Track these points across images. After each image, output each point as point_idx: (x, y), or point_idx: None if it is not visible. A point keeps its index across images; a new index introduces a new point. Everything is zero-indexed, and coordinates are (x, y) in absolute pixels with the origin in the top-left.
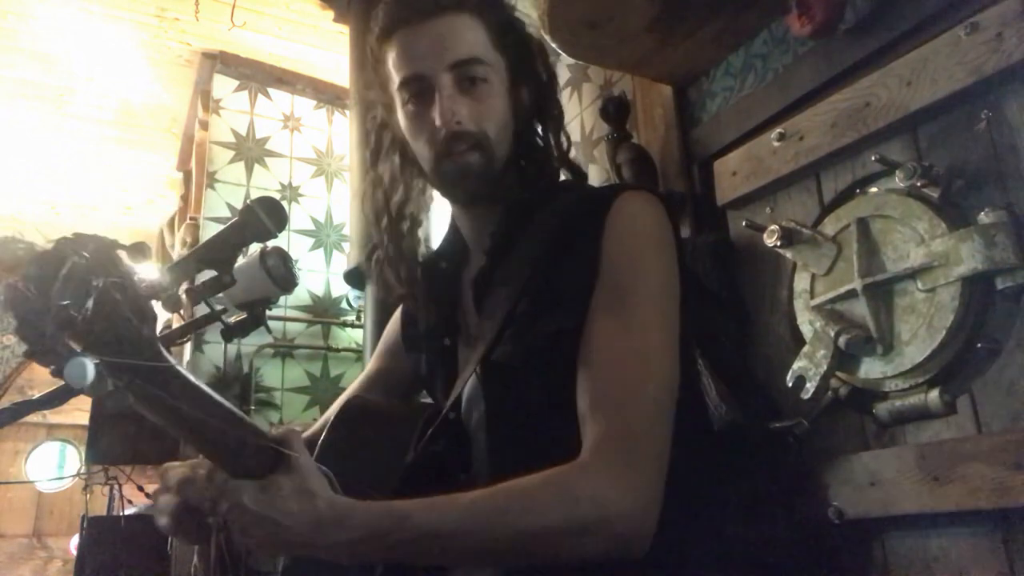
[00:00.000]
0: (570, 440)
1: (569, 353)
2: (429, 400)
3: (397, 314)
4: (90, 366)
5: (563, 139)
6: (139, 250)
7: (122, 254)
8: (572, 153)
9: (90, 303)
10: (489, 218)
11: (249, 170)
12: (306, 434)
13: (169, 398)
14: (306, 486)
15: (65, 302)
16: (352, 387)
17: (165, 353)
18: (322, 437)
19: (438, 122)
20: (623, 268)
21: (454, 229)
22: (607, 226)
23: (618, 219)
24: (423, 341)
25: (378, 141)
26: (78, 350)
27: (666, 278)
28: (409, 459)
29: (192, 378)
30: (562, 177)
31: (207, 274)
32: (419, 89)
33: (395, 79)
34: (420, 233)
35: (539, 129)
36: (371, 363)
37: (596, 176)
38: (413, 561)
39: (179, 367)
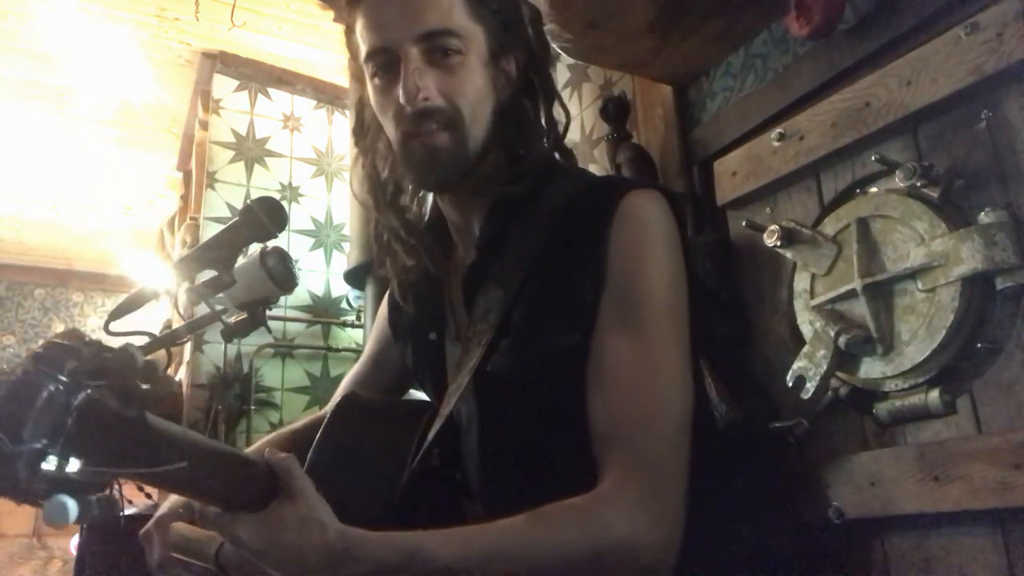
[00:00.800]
0: (564, 454)
1: (570, 369)
2: (425, 397)
3: (387, 296)
4: (70, 504)
5: (557, 116)
6: (125, 355)
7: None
8: (565, 133)
9: (70, 425)
10: (475, 207)
11: (249, 170)
12: (294, 426)
13: (160, 468)
14: (312, 515)
15: (40, 444)
16: (351, 372)
17: (154, 421)
18: (317, 436)
19: (402, 99)
20: (634, 280)
21: (435, 215)
22: (614, 231)
23: (627, 224)
24: (407, 332)
25: (359, 118)
26: (54, 478)
27: (676, 286)
28: (407, 474)
29: (176, 429)
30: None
31: (207, 274)
32: (385, 62)
33: (362, 50)
34: (424, 207)
35: (529, 106)
36: (368, 345)
37: None
38: None
39: (164, 427)
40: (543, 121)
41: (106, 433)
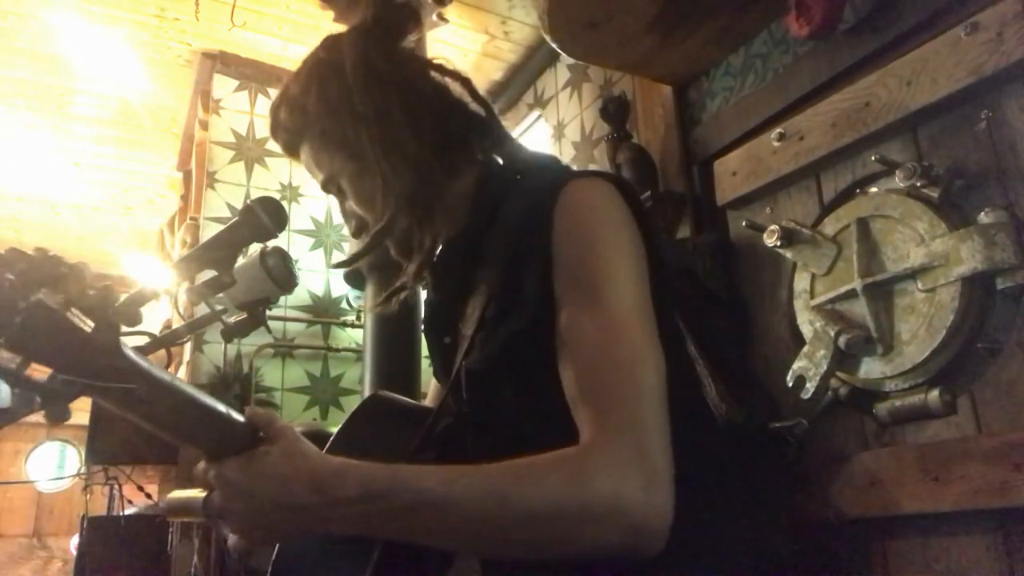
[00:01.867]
0: (546, 441)
1: (531, 354)
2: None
3: None
4: (3, 387)
5: (457, 114)
6: (78, 269)
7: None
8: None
9: (17, 320)
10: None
11: (249, 170)
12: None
13: (135, 401)
14: (296, 447)
15: None
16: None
17: (131, 357)
18: (335, 432)
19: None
20: (580, 257)
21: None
22: (555, 220)
23: (565, 211)
24: (426, 337)
25: None
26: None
27: (625, 258)
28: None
29: (161, 373)
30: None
31: (207, 274)
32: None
33: None
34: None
35: (439, 130)
36: None
37: None
38: (410, 535)
39: (144, 365)
40: (461, 135)
41: (57, 339)
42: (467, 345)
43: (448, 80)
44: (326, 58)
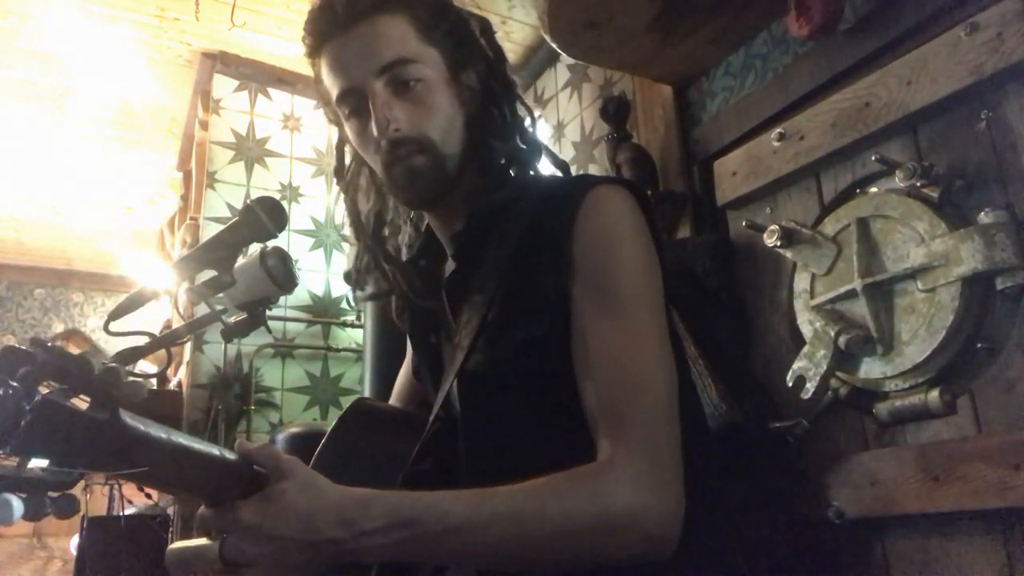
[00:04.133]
0: (546, 448)
1: (543, 360)
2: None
3: None
4: (15, 502)
5: (520, 114)
6: (82, 362)
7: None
8: (533, 127)
9: (23, 423)
10: (455, 219)
11: (249, 170)
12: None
13: (135, 467)
14: (313, 481)
15: None
16: (396, 383)
17: (131, 424)
18: (321, 443)
19: (375, 133)
20: (605, 266)
21: (428, 231)
22: (578, 226)
23: (589, 218)
24: (411, 339)
25: (339, 158)
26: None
27: (646, 269)
28: (400, 479)
29: (158, 431)
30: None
31: (207, 274)
32: (355, 102)
33: (332, 94)
34: (400, 238)
35: (495, 112)
36: (407, 356)
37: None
38: (437, 559)
39: (142, 429)
40: (510, 122)
41: (66, 433)
42: (466, 349)
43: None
44: None
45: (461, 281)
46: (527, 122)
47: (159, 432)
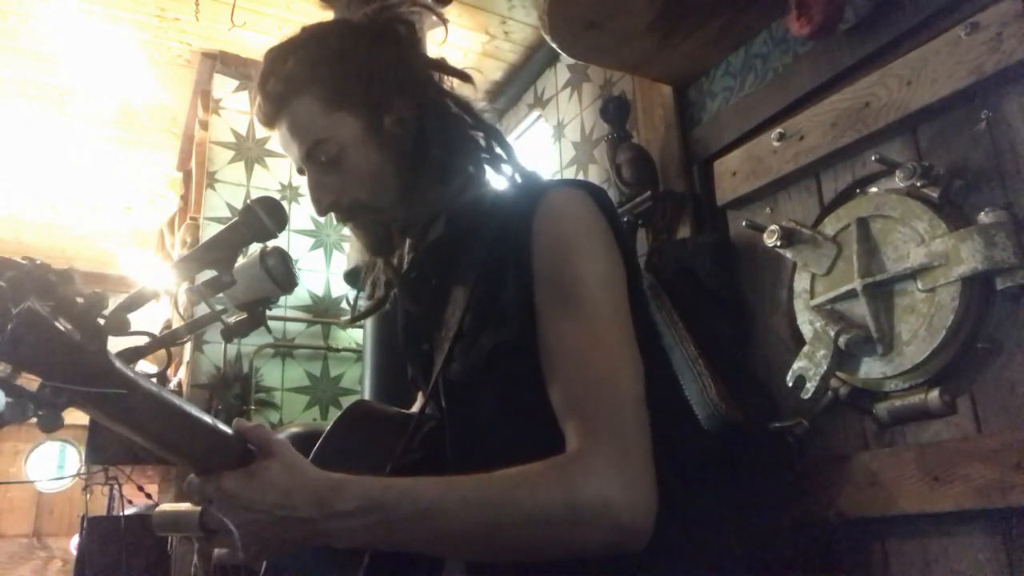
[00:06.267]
0: (524, 450)
1: (514, 365)
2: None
3: None
4: (0, 396)
5: (458, 117)
6: (66, 276)
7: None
8: (478, 115)
9: (8, 327)
10: (428, 238)
11: (249, 170)
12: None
13: (124, 410)
14: (297, 463)
15: None
16: None
17: (119, 366)
18: (318, 443)
19: (314, 210)
20: (558, 268)
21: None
22: (533, 235)
23: (543, 222)
24: (404, 349)
25: None
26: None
27: (604, 269)
28: (388, 469)
29: (149, 384)
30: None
31: (207, 274)
32: (305, 174)
33: None
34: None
35: (430, 146)
36: None
37: (596, 176)
38: (407, 545)
39: (131, 374)
40: (446, 153)
41: (49, 347)
42: (445, 355)
43: (453, 85)
44: (348, 26)
45: (442, 294)
46: (474, 133)
47: (150, 384)
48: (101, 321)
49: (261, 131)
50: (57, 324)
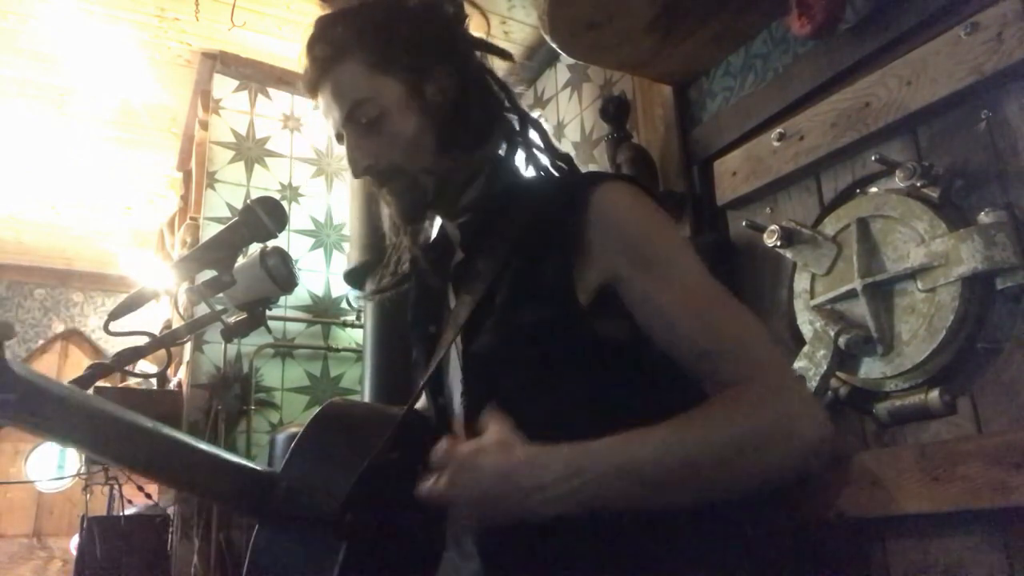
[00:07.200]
0: (550, 429)
1: (550, 342)
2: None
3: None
4: None
5: (496, 95)
6: None
7: None
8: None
9: None
10: (458, 215)
11: (249, 170)
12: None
13: (38, 420)
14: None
15: None
16: None
17: (19, 371)
18: (293, 445)
19: (351, 172)
20: (643, 236)
21: (441, 228)
22: (591, 215)
23: (605, 206)
24: (411, 330)
25: None
26: None
27: (682, 240)
28: (365, 464)
29: (65, 391)
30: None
31: (207, 274)
32: (344, 141)
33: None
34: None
35: (475, 110)
36: None
37: None
38: (607, 504)
39: (41, 381)
40: (483, 120)
41: None
42: (465, 330)
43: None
44: (399, 1)
45: (466, 269)
46: (506, 105)
47: (61, 389)
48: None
49: (261, 131)
50: None
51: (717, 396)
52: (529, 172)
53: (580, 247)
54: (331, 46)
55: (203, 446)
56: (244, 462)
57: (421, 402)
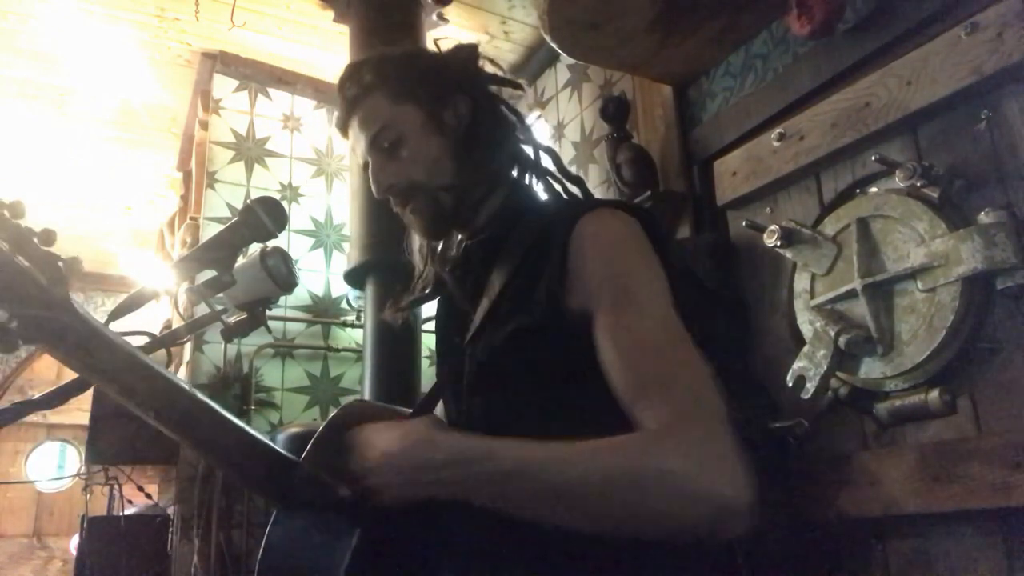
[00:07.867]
0: (536, 436)
1: (533, 353)
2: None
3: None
4: None
5: (508, 119)
6: (16, 208)
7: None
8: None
9: None
10: (481, 234)
11: (249, 170)
12: None
13: (84, 356)
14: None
15: None
16: None
17: (78, 307)
18: (313, 440)
19: (375, 194)
20: (608, 265)
21: (464, 246)
22: (573, 242)
23: (585, 236)
24: (438, 345)
25: None
26: None
27: (649, 272)
28: None
29: (112, 335)
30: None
31: (207, 274)
32: (368, 169)
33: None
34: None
35: (488, 132)
36: None
37: (596, 176)
38: (492, 502)
39: (94, 322)
40: (495, 143)
41: (10, 280)
42: (476, 335)
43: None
44: (419, 47)
45: (484, 284)
46: (518, 132)
47: (109, 333)
48: (63, 268)
49: (261, 131)
50: (16, 260)
51: (632, 434)
52: (544, 196)
53: (565, 273)
54: (358, 86)
55: (234, 419)
56: (271, 443)
57: (439, 410)
